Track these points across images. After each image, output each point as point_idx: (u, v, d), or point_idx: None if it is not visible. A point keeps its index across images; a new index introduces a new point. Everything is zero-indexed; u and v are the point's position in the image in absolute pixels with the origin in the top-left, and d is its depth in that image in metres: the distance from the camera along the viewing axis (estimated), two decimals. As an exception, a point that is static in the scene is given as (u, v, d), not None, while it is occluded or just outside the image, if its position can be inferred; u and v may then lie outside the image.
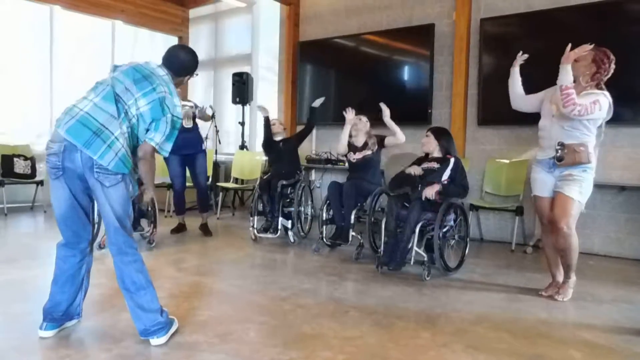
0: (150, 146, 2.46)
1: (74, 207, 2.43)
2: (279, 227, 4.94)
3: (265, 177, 5.23)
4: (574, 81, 3.17)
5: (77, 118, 2.32)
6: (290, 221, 5.00)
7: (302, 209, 5.27)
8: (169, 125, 2.47)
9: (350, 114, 4.85)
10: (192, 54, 2.74)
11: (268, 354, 2.40)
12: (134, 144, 2.46)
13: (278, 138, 5.41)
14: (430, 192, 3.84)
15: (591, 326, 2.91)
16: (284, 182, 5.06)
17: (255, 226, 5.06)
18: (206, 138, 5.58)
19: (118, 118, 2.35)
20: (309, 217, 5.50)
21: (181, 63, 2.67)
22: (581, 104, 3.05)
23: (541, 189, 3.40)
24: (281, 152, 5.32)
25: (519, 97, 3.53)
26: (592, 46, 3.14)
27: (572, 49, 3.16)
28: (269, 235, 4.96)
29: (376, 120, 4.83)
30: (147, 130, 2.46)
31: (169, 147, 2.53)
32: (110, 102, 2.36)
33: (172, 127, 2.50)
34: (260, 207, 5.10)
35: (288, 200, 5.13)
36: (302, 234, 5.23)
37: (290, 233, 5.02)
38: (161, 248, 4.57)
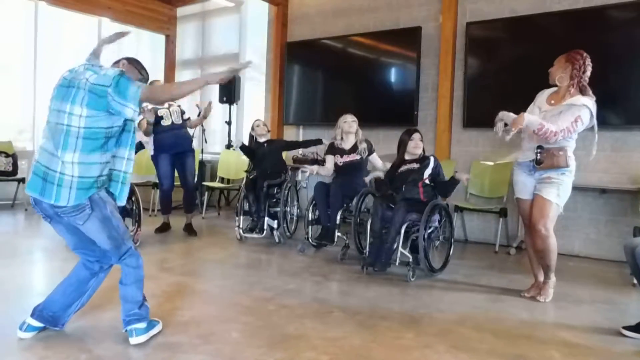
0: (138, 121, 2.34)
1: (80, 239, 2.48)
2: (265, 227, 4.92)
3: (251, 177, 5.19)
4: (555, 85, 3.26)
5: (33, 170, 2.34)
6: (276, 221, 4.98)
7: (288, 209, 5.26)
8: (116, 87, 2.23)
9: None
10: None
11: (251, 354, 2.39)
12: (101, 143, 2.30)
13: (262, 139, 5.35)
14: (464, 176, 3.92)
15: (571, 326, 2.95)
16: (270, 182, 5.04)
17: (240, 226, 5.05)
18: (192, 136, 5.54)
19: (58, 150, 2.25)
20: (295, 218, 5.49)
21: None
22: (562, 129, 3.14)
23: (522, 191, 3.44)
24: (266, 153, 5.27)
25: None
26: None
27: (571, 50, 3.30)
28: (255, 235, 4.93)
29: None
30: (119, 112, 2.27)
31: (134, 91, 2.25)
32: (49, 139, 2.31)
33: (118, 83, 2.24)
34: (246, 206, 5.08)
35: (274, 200, 5.11)
36: (287, 234, 5.22)
37: (275, 233, 4.99)
38: (145, 248, 4.53)
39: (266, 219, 4.93)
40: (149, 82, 2.67)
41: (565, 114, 3.18)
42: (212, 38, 8.45)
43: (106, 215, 2.37)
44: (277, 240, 4.99)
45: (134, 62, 2.63)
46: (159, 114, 5.15)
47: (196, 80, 2.46)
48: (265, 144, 5.33)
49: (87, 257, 2.55)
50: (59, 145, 2.26)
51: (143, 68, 2.67)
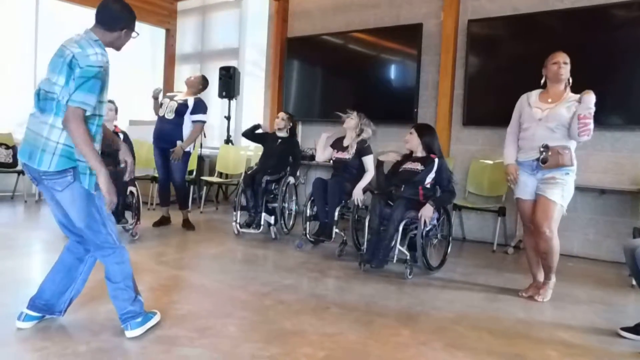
0: (68, 110, 2.20)
1: (59, 218, 2.48)
2: (262, 222, 4.90)
3: (249, 172, 5.17)
4: (556, 83, 3.27)
5: (24, 137, 2.37)
6: (273, 217, 4.97)
7: (286, 205, 5.24)
8: (80, 79, 2.20)
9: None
10: (122, 3, 2.47)
11: (248, 349, 2.39)
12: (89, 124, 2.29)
13: (280, 134, 5.27)
14: (427, 214, 3.77)
15: (569, 326, 2.95)
16: (269, 178, 5.00)
17: (238, 221, 5.03)
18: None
19: (48, 116, 2.27)
20: (293, 213, 5.48)
21: (110, 13, 2.40)
22: (590, 128, 3.15)
23: (523, 191, 3.43)
24: (276, 151, 5.20)
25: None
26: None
27: (556, 51, 3.27)
28: (252, 231, 4.92)
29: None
30: (68, 85, 2.24)
31: (89, 98, 2.22)
32: (37, 106, 2.34)
33: (88, 78, 2.21)
34: (243, 202, 5.05)
35: (272, 195, 5.09)
36: (285, 230, 5.21)
37: (272, 229, 4.98)
38: (143, 241, 4.52)
39: (263, 214, 4.91)
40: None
41: (582, 108, 3.16)
42: (212, 33, 8.42)
43: (87, 194, 2.31)
44: (273, 236, 4.97)
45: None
46: (161, 102, 5.20)
47: (95, 164, 2.24)
48: (279, 141, 5.25)
49: (70, 234, 2.54)
50: (51, 111, 2.28)
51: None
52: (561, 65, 3.28)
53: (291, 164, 5.25)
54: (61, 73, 2.25)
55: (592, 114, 3.15)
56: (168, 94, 5.38)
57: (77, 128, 2.19)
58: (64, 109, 2.23)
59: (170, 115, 5.10)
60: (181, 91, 5.40)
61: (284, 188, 5.03)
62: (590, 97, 3.15)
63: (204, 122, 5.25)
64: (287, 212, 5.30)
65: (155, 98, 5.23)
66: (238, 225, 5.02)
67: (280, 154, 5.20)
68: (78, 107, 2.20)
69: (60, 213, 2.47)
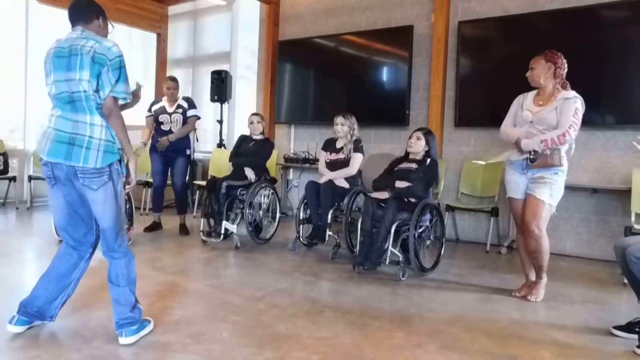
0: (108, 99, 2.37)
1: (70, 214, 2.49)
2: (222, 231, 4.58)
3: (213, 177, 4.98)
4: (538, 87, 3.30)
5: (51, 138, 2.37)
6: (235, 225, 4.67)
7: (252, 211, 4.76)
8: (114, 70, 2.36)
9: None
10: None
11: (241, 354, 2.38)
12: None
13: (255, 136, 5.14)
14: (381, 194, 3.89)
15: (562, 326, 2.96)
16: (233, 183, 4.72)
17: (201, 229, 4.81)
18: (191, 141, 5.53)
19: (83, 115, 2.35)
20: (275, 222, 5.14)
21: (82, 8, 2.50)
22: (570, 125, 3.17)
23: (514, 190, 3.45)
24: (246, 150, 5.04)
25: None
26: None
27: (546, 51, 3.31)
28: (213, 240, 4.68)
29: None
30: (103, 85, 2.36)
31: (125, 87, 2.42)
32: (68, 108, 2.36)
33: (120, 68, 2.39)
34: (208, 208, 4.79)
35: (238, 202, 4.75)
36: (258, 240, 4.83)
37: (235, 237, 4.65)
38: (136, 246, 4.50)
39: (224, 222, 4.59)
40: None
41: (564, 110, 3.20)
42: (204, 37, 8.40)
43: (118, 190, 2.44)
44: (236, 244, 4.64)
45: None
46: (160, 120, 5.21)
47: (129, 150, 2.51)
48: (252, 142, 5.10)
49: (69, 239, 2.54)
50: (84, 111, 2.35)
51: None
52: (530, 74, 3.38)
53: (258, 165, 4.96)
54: (83, 68, 2.32)
55: (544, 143, 3.20)
56: (155, 109, 5.27)
57: (119, 117, 2.43)
58: (95, 104, 2.35)
59: (177, 128, 5.21)
60: (158, 100, 5.41)
61: (254, 194, 4.71)
62: (524, 145, 3.26)
63: (198, 117, 5.40)
64: (264, 220, 4.97)
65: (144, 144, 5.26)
66: (201, 234, 4.79)
67: (250, 155, 4.99)
68: (119, 97, 2.40)
69: (66, 212, 2.47)
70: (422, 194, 3.99)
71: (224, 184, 4.67)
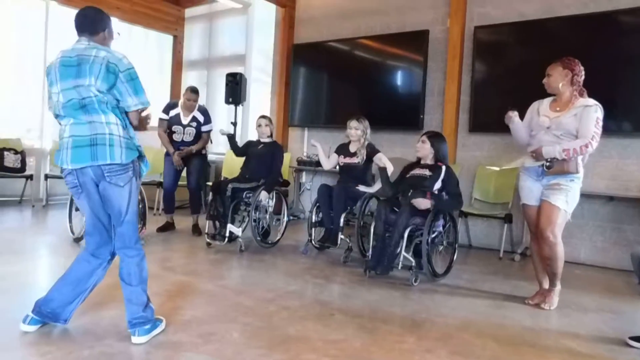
0: (133, 113, 2.47)
1: (95, 225, 2.54)
2: (227, 234, 4.53)
3: (218, 180, 4.95)
4: (554, 94, 3.27)
5: (70, 146, 2.40)
6: (240, 229, 4.61)
7: (259, 215, 4.70)
8: (129, 82, 2.41)
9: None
10: (95, 8, 2.62)
11: (251, 355, 2.38)
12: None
13: (263, 139, 5.00)
14: (422, 203, 3.79)
15: (576, 335, 2.92)
16: (237, 185, 4.66)
17: (207, 231, 4.72)
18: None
19: (97, 116, 2.38)
20: (284, 226, 5.08)
21: (89, 19, 2.54)
22: (592, 136, 3.14)
23: (529, 197, 3.42)
24: (254, 153, 4.93)
25: (525, 138, 3.50)
26: None
27: (560, 57, 3.27)
28: (217, 243, 4.63)
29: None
30: (118, 100, 2.42)
31: (144, 97, 2.48)
32: (80, 113, 2.38)
33: (135, 79, 2.43)
34: (213, 211, 4.72)
35: (244, 204, 4.69)
36: (263, 244, 4.76)
37: (240, 240, 4.60)
38: (148, 246, 4.52)
39: (229, 225, 4.54)
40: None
41: (586, 119, 3.17)
42: (219, 39, 8.45)
43: (138, 187, 2.54)
44: (240, 248, 4.58)
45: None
46: (173, 129, 5.27)
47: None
48: (261, 145, 4.98)
49: (92, 245, 2.56)
50: (97, 112, 2.38)
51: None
52: (548, 80, 3.35)
53: (271, 171, 4.81)
54: (93, 75, 2.35)
55: (566, 152, 3.16)
56: (171, 115, 5.27)
57: (142, 127, 2.55)
58: (108, 106, 2.39)
59: (189, 139, 5.28)
60: (175, 105, 5.40)
61: (258, 197, 4.60)
62: (545, 152, 3.22)
63: (212, 130, 5.50)
64: (265, 223, 4.82)
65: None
66: (206, 236, 4.72)
67: (259, 158, 4.87)
68: (144, 107, 2.48)
69: (95, 215, 2.51)
70: (458, 204, 4.10)
71: (230, 186, 4.65)
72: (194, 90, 5.35)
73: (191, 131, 5.27)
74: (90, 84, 2.35)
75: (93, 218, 2.53)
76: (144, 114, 2.56)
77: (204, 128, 5.35)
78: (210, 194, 4.81)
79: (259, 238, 4.71)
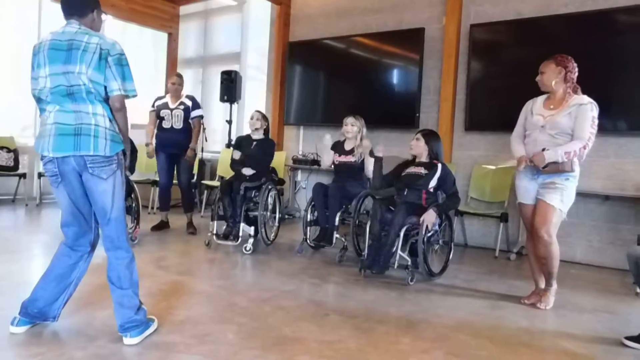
0: (118, 97, 2.38)
1: (74, 214, 2.48)
2: (240, 233, 4.54)
3: (227, 179, 4.90)
4: (548, 91, 3.26)
5: (53, 133, 2.33)
6: (253, 227, 4.61)
7: (267, 213, 4.80)
8: (117, 67, 2.36)
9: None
10: None
11: (246, 356, 2.36)
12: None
13: (255, 136, 4.93)
14: (429, 220, 3.75)
15: (572, 335, 2.91)
16: (247, 185, 4.64)
17: (214, 231, 4.66)
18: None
19: (84, 106, 2.33)
20: (277, 224, 5.06)
21: (77, 1, 2.48)
22: (588, 137, 3.14)
23: (524, 196, 3.41)
24: (252, 154, 4.85)
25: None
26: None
27: (556, 55, 3.28)
28: (229, 243, 4.58)
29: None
30: (106, 90, 2.37)
31: (132, 85, 2.41)
32: (67, 100, 2.34)
33: (125, 65, 2.39)
34: (221, 211, 4.67)
35: (252, 204, 4.72)
36: (267, 241, 4.80)
37: (250, 241, 4.54)
38: (142, 245, 4.50)
39: (242, 224, 4.55)
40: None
41: (581, 118, 3.15)
42: (214, 37, 8.42)
43: (122, 181, 2.46)
44: (249, 248, 4.51)
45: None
46: (161, 115, 5.20)
47: (125, 133, 2.50)
48: (254, 143, 4.92)
49: (69, 238, 2.51)
50: (85, 102, 2.34)
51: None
52: (541, 78, 3.34)
53: (270, 169, 4.92)
54: (84, 62, 2.30)
55: (567, 155, 3.14)
56: (158, 104, 5.28)
57: (125, 114, 2.44)
58: (95, 97, 2.34)
59: (178, 125, 5.19)
60: (162, 97, 5.38)
61: (265, 195, 4.66)
62: (547, 157, 3.18)
63: (202, 116, 5.40)
64: (269, 221, 4.88)
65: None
66: (214, 237, 4.64)
67: (256, 157, 4.83)
68: (130, 95, 2.41)
69: (73, 207, 2.45)
70: (456, 203, 4.07)
71: (243, 185, 4.60)
72: (178, 75, 5.40)
73: (179, 114, 5.17)
74: (80, 71, 2.30)
75: (72, 207, 2.45)
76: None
77: (194, 113, 5.24)
78: (218, 193, 4.77)
79: (265, 237, 4.75)
